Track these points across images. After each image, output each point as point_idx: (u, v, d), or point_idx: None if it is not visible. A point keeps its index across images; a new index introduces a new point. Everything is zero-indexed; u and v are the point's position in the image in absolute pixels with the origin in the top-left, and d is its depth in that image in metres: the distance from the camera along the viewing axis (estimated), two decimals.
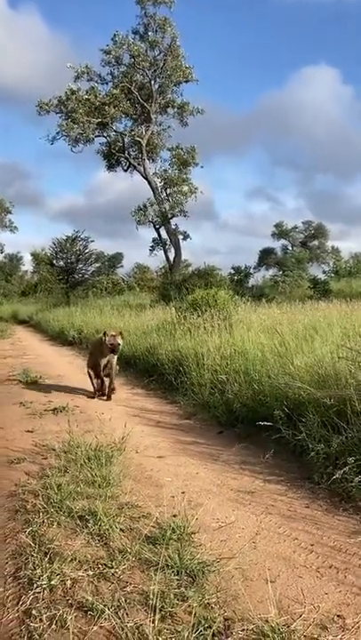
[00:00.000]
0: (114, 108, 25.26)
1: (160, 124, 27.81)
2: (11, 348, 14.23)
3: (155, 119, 26.92)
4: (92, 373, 7.37)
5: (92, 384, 7.36)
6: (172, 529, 2.95)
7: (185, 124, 27.34)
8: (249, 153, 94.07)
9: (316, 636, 2.14)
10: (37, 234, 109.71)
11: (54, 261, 31.46)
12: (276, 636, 2.09)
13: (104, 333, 7.10)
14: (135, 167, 27.33)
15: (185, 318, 9.48)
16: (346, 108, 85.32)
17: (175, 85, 26.65)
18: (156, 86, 26.40)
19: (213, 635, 2.11)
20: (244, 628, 2.16)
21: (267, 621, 2.17)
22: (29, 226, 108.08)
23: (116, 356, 7.20)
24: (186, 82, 26.53)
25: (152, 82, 26.26)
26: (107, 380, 7.30)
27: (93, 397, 7.22)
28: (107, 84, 26.24)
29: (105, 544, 2.89)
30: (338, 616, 2.27)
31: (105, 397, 7.19)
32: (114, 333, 7.10)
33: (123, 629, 2.13)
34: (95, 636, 2.15)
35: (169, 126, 27.92)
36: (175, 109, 27.11)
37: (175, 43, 25.39)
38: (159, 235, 27.68)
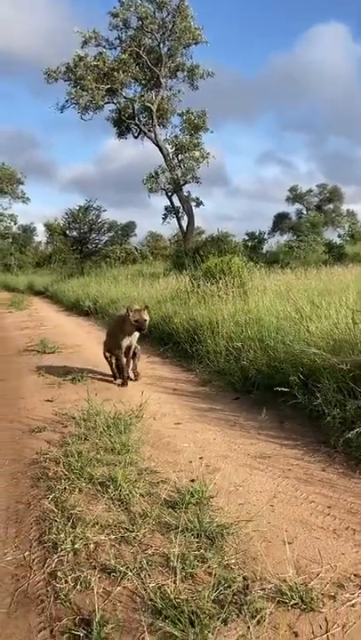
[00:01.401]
0: (123, 73, 24.70)
1: (170, 89, 27.19)
2: (28, 319, 14.36)
3: (164, 84, 26.31)
4: (110, 356, 6.42)
5: (112, 368, 6.42)
6: (191, 493, 3.02)
7: (195, 88, 26.66)
8: (258, 116, 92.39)
9: (333, 594, 2.19)
10: (49, 204, 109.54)
11: (67, 232, 31.36)
12: (293, 594, 2.15)
13: (127, 309, 5.96)
14: (146, 134, 26.90)
15: (199, 286, 9.46)
16: (357, 67, 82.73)
17: (184, 48, 25.92)
18: (166, 49, 25.72)
19: (233, 594, 2.17)
20: (262, 587, 2.22)
21: (285, 581, 2.23)
22: (41, 196, 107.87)
23: (137, 335, 6.17)
24: (195, 44, 25.78)
25: (161, 45, 25.59)
26: (128, 362, 6.33)
27: (113, 383, 6.29)
28: (115, 49, 25.63)
29: (126, 509, 2.96)
30: (355, 575, 2.32)
31: (123, 383, 6.21)
32: (138, 307, 6.01)
33: (145, 590, 2.21)
34: (119, 596, 2.23)
35: (179, 90, 27.29)
36: (185, 73, 26.45)
37: (183, 3, 24.61)
38: (171, 202, 27.41)
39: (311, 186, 51.67)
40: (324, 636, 1.98)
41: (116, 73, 24.55)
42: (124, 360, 6.23)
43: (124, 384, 6.19)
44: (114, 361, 6.37)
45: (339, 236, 30.56)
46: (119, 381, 6.29)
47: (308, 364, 4.64)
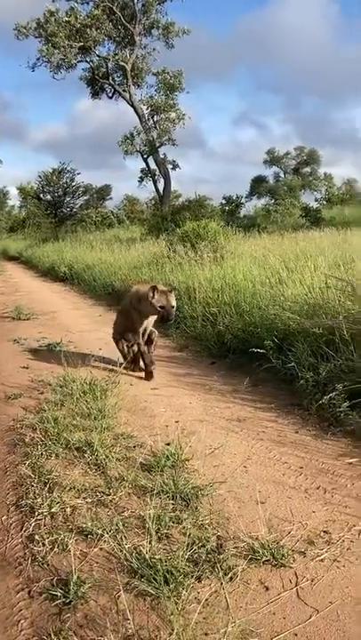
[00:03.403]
0: (96, 30, 23.86)
1: (145, 47, 26.38)
2: (2, 285, 14.17)
3: (139, 42, 25.51)
4: (123, 341, 5.16)
5: (124, 353, 5.12)
6: (167, 456, 3.06)
7: (171, 47, 25.90)
8: (233, 77, 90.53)
9: (303, 550, 2.27)
10: (22, 166, 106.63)
11: (41, 195, 30.75)
12: (265, 551, 2.22)
13: (153, 289, 4.64)
14: (120, 94, 26.20)
15: (175, 252, 9.42)
16: (331, 26, 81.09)
17: (159, 4, 25.12)
18: (140, 5, 24.89)
19: (207, 553, 2.23)
20: (236, 545, 2.29)
21: (257, 539, 2.30)
22: (13, 158, 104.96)
23: (155, 318, 4.85)
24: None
25: (135, 0, 24.73)
26: (139, 348, 5.05)
27: (133, 370, 5.15)
28: (87, 3, 24.68)
29: (102, 473, 3.00)
30: (324, 532, 2.40)
31: (136, 369, 5.17)
32: (165, 288, 4.78)
33: (121, 551, 2.26)
34: (95, 557, 2.28)
35: (154, 49, 26.48)
36: (160, 30, 25.65)
37: None
38: (147, 165, 27.04)
39: (289, 148, 51.09)
40: (294, 589, 2.05)
41: (88, 30, 23.69)
42: (144, 347, 5.01)
43: (149, 376, 4.98)
44: (125, 347, 5.16)
45: (316, 200, 30.44)
46: (133, 367, 5.16)
47: (282, 329, 4.69)
